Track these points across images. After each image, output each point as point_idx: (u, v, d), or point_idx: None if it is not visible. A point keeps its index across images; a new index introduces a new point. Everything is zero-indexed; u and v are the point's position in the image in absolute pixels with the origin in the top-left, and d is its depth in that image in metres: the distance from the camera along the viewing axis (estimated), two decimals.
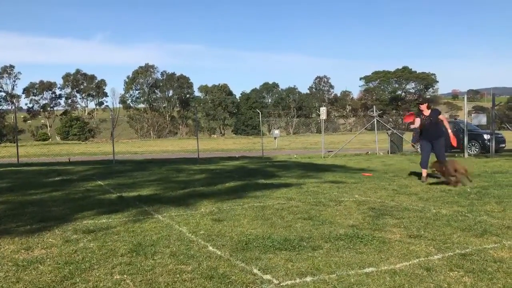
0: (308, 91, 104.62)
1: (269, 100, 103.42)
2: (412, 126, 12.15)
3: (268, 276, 4.23)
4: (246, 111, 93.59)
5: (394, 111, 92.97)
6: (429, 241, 5.46)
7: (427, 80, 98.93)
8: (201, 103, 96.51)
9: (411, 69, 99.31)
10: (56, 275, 4.31)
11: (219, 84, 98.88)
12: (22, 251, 5.20)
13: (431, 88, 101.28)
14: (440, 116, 11.63)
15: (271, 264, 4.60)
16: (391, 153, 24.39)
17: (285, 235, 5.80)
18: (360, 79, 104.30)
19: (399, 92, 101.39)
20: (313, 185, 10.81)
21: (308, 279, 4.14)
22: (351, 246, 5.24)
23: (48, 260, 4.81)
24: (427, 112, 11.61)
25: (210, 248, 5.24)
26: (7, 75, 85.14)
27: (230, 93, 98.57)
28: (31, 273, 4.39)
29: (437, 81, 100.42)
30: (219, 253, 5.02)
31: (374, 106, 28.56)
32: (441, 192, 9.45)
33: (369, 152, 25.03)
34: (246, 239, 5.58)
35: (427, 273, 4.28)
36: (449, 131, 11.61)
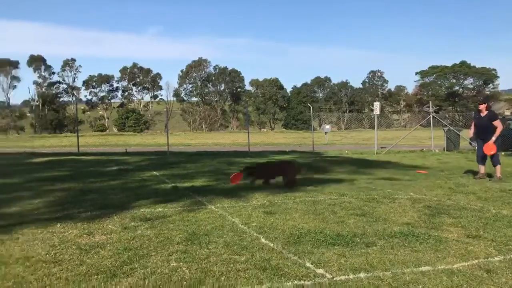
0: (361, 86, 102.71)
1: (321, 95, 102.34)
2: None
3: (321, 270, 4.22)
4: (296, 106, 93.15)
5: (451, 107, 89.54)
6: (489, 242, 5.25)
7: (487, 76, 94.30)
8: (251, 97, 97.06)
9: (469, 63, 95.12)
10: (116, 260, 4.50)
11: (270, 78, 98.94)
12: (84, 236, 5.47)
13: (490, 84, 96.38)
14: (495, 123, 11.32)
15: (324, 258, 4.59)
16: (447, 150, 23.54)
17: (337, 230, 5.76)
18: (416, 73, 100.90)
19: (457, 87, 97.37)
20: (366, 181, 10.64)
21: (362, 275, 4.11)
22: (406, 244, 5.14)
23: (108, 245, 5.04)
24: (484, 113, 11.54)
25: (263, 240, 5.29)
26: (68, 68, 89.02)
27: (281, 87, 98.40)
28: (93, 257, 4.61)
29: (498, 77, 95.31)
30: (272, 245, 5.06)
31: (430, 102, 27.63)
32: (501, 192, 9.04)
33: (424, 149, 24.28)
34: (298, 233, 5.59)
35: (487, 275, 4.13)
36: (493, 138, 11.19)
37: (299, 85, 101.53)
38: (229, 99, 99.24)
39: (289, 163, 11.19)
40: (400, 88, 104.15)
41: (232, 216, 6.63)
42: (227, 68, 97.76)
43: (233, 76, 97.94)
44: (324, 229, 5.79)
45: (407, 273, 4.14)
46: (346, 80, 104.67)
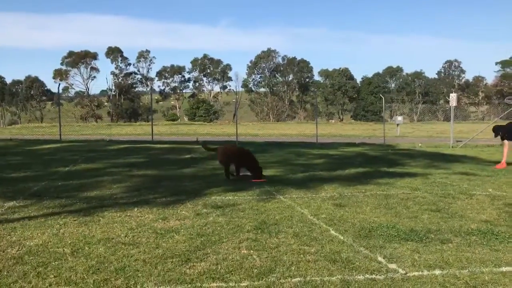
0: (436, 76, 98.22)
1: (392, 85, 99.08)
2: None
3: (393, 266, 4.13)
4: (367, 96, 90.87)
5: None
6: None
7: None
8: (320, 87, 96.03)
9: None
10: (190, 244, 4.67)
11: (340, 68, 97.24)
12: (160, 220, 5.71)
13: None
14: None
15: (396, 253, 4.48)
16: None
17: (410, 225, 5.59)
18: (496, 63, 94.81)
19: None
20: (441, 176, 10.21)
21: (437, 272, 3.97)
22: (484, 243, 4.89)
23: (182, 230, 5.23)
24: None
25: (332, 232, 5.25)
26: (143, 59, 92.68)
27: (350, 78, 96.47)
28: (168, 241, 4.80)
29: None
30: (342, 238, 5.01)
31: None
32: None
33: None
34: (369, 227, 5.49)
35: None
36: None
37: (370, 75, 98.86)
38: (297, 89, 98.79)
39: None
40: (478, 79, 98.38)
41: (301, 207, 6.63)
42: (296, 59, 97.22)
43: (302, 67, 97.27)
44: (397, 224, 5.64)
45: (485, 273, 3.95)
46: (421, 69, 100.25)
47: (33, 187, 7.97)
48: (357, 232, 5.24)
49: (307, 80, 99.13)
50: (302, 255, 4.36)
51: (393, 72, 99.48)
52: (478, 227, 5.55)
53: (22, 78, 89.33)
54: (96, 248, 4.53)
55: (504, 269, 4.07)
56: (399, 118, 43.27)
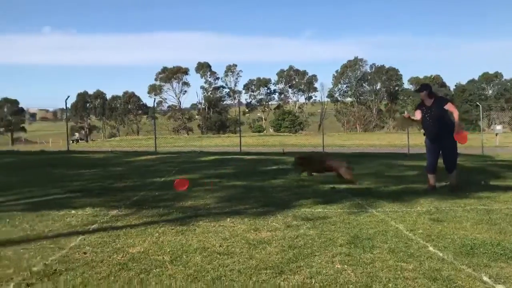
0: None
1: (490, 92, 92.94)
2: (412, 118, 9.55)
3: (501, 286, 3.84)
4: (461, 104, 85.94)
5: None
6: None
7: None
8: (410, 95, 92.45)
9: None
10: (282, 256, 4.68)
11: (431, 76, 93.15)
12: (252, 231, 5.80)
13: None
14: (447, 106, 8.94)
15: (503, 273, 4.16)
16: None
17: None
18: None
19: None
20: None
21: None
22: None
23: (274, 242, 5.26)
24: (428, 102, 9.13)
25: (431, 248, 5.00)
26: (231, 73, 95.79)
27: (443, 85, 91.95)
28: (261, 252, 4.86)
29: None
30: (441, 254, 4.75)
31: None
32: None
33: None
34: (471, 244, 5.14)
35: None
36: (456, 120, 8.94)
37: (463, 82, 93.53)
38: (385, 98, 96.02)
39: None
40: None
41: (396, 221, 6.39)
42: (384, 66, 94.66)
43: (391, 75, 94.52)
44: (502, 241, 5.24)
45: None
46: None
47: (133, 197, 8.47)
48: (458, 249, 4.94)
49: (396, 88, 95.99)
50: (399, 272, 4.19)
51: (490, 78, 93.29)
52: None
53: (120, 93, 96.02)
54: (193, 257, 4.70)
55: None
56: (498, 127, 40.45)
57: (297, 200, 8.03)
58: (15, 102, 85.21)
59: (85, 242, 5.32)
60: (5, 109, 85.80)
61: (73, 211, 7.08)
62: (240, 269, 4.29)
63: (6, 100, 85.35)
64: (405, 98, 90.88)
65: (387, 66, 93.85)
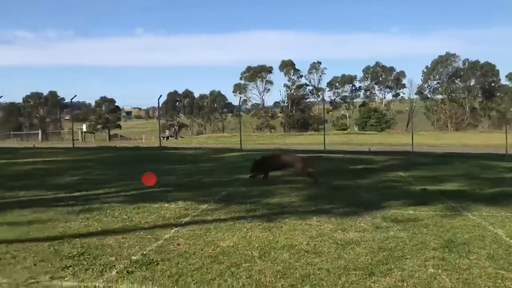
0: None
1: None
2: None
3: None
4: None
5: None
6: None
7: None
8: (508, 92, 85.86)
9: None
10: (371, 258, 4.59)
11: None
12: (339, 231, 5.74)
13: None
14: None
15: None
16: None
17: None
18: None
19: None
20: None
21: None
22: None
23: (362, 243, 5.17)
24: None
25: None
26: (314, 70, 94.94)
27: None
28: (349, 253, 4.80)
29: None
30: None
31: None
32: None
33: None
34: None
35: None
36: None
37: None
38: (479, 95, 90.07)
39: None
40: None
41: (494, 226, 6.00)
42: (479, 62, 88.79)
43: (486, 70, 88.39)
44: None
45: None
46: None
47: (221, 192, 8.74)
48: None
49: (493, 84, 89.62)
50: (500, 281, 3.94)
51: None
52: None
53: (207, 92, 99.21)
54: (281, 253, 4.76)
55: None
56: None
57: (386, 201, 7.81)
58: (112, 101, 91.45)
59: (178, 234, 5.60)
60: (103, 108, 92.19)
61: (166, 204, 7.46)
62: (329, 269, 4.27)
63: (104, 99, 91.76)
64: (502, 95, 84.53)
65: (481, 62, 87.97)
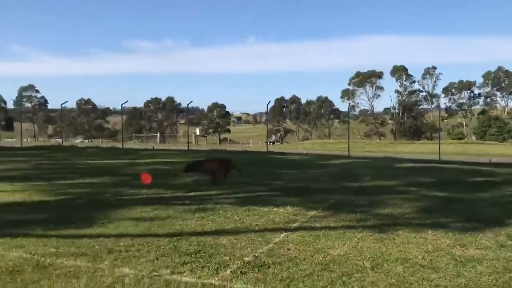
0: None
1: None
2: None
3: None
4: None
5: None
6: None
7: None
8: None
9: None
10: (496, 279, 4.25)
11: None
12: (457, 247, 5.39)
13: None
14: None
15: None
16: None
17: None
18: None
19: None
20: None
21: None
22: None
23: (485, 261, 4.80)
24: None
25: None
26: (428, 76, 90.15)
27: None
28: (470, 271, 4.49)
29: None
30: None
31: None
32: None
33: None
34: None
35: None
36: None
37: None
38: None
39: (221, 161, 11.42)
40: None
41: None
42: None
43: None
44: None
45: None
46: None
47: (329, 199, 8.67)
48: None
49: None
50: None
51: None
52: None
53: (314, 98, 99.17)
54: (394, 266, 4.60)
55: None
56: None
57: (511, 218, 7.16)
58: (223, 106, 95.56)
59: (288, 239, 5.67)
60: (215, 113, 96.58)
61: (275, 209, 7.60)
62: (447, 286, 4.04)
63: (215, 105, 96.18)
64: None
65: None
